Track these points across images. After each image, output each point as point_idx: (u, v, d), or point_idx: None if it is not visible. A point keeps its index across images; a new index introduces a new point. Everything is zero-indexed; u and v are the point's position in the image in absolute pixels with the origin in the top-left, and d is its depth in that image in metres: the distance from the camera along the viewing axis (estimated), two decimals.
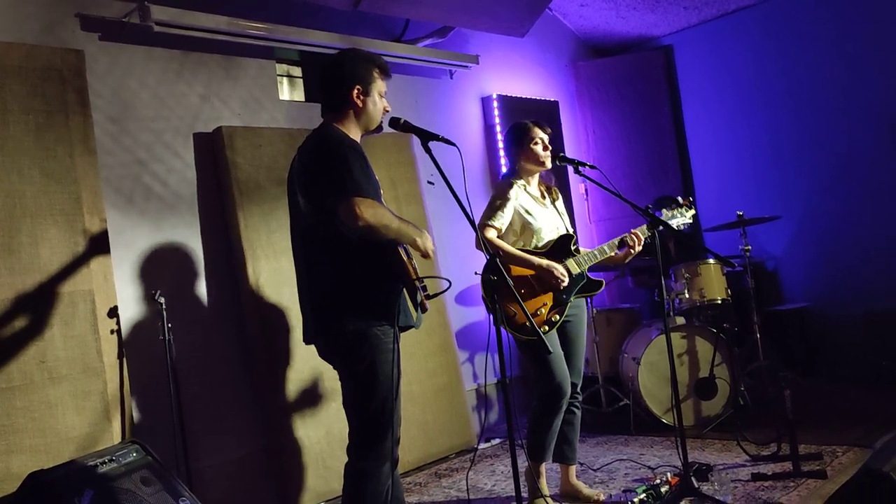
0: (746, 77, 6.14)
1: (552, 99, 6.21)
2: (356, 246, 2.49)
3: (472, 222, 2.45)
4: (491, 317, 2.49)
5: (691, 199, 3.70)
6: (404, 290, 2.58)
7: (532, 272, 3.27)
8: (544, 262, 3.25)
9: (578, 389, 3.46)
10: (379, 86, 2.71)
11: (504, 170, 5.52)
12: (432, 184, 4.95)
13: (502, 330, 2.38)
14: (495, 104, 5.66)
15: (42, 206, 3.26)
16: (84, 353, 3.28)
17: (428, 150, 2.56)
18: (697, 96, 6.48)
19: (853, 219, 5.65)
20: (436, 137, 2.57)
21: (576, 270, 3.33)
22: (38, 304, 3.19)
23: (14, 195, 3.19)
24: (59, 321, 3.23)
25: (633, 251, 3.41)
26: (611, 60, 6.65)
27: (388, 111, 2.75)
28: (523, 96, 5.92)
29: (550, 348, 2.49)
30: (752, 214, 5.03)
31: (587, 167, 3.36)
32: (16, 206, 3.18)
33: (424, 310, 2.62)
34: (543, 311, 3.26)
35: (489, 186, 5.58)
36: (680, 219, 3.58)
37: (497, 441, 4.82)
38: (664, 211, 3.61)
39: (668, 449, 4.16)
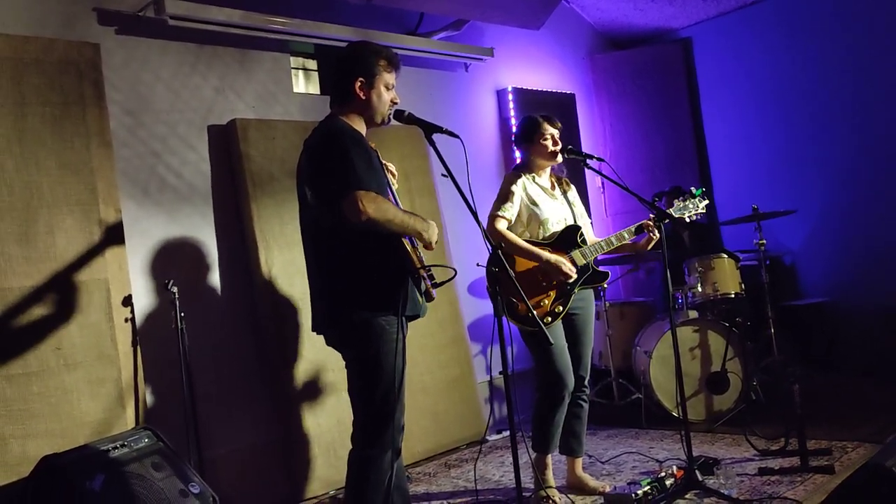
0: (765, 69, 6.08)
1: (569, 91, 6.20)
2: (361, 237, 2.52)
3: (474, 214, 2.48)
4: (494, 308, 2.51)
5: (704, 188, 3.64)
6: (410, 279, 2.61)
7: (538, 264, 3.27)
8: (552, 256, 3.26)
9: (586, 383, 3.47)
10: (385, 78, 2.69)
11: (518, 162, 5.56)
12: (446, 176, 4.95)
13: (508, 322, 2.40)
14: (511, 97, 5.66)
15: (58, 197, 3.33)
16: (99, 340, 3.35)
17: (432, 143, 2.59)
18: (716, 89, 6.42)
19: (871, 212, 5.57)
20: (439, 129, 2.60)
21: (581, 262, 3.33)
22: (54, 293, 3.26)
23: (31, 185, 3.26)
24: (75, 309, 3.30)
25: (653, 236, 3.37)
26: (628, 53, 6.61)
27: (395, 104, 2.74)
28: (539, 89, 5.91)
29: (552, 340, 2.50)
30: (769, 208, 4.97)
31: (595, 160, 3.36)
32: (33, 196, 3.26)
33: (430, 298, 2.65)
34: (547, 301, 3.27)
35: None
36: (692, 209, 3.54)
37: (507, 433, 4.84)
38: (675, 201, 3.57)
39: (677, 443, 4.15)
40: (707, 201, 3.57)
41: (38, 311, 3.21)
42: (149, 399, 3.56)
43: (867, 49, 5.53)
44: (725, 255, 4.70)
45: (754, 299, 5.06)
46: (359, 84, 2.64)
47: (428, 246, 2.63)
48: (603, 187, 6.39)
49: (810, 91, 5.84)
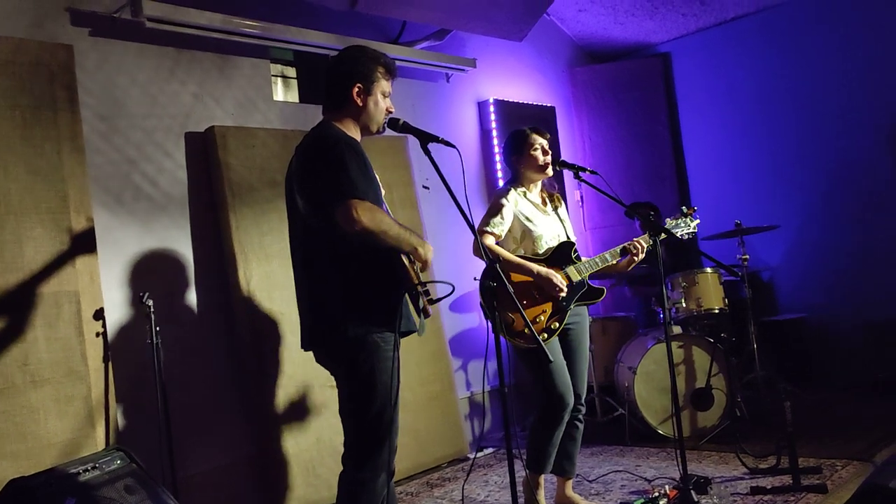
0: (744, 85, 6.12)
1: (549, 104, 6.16)
2: (356, 249, 2.41)
3: (471, 226, 2.39)
4: (489, 324, 2.42)
5: (695, 208, 3.65)
6: (406, 295, 2.51)
7: (531, 279, 3.19)
8: (543, 269, 3.19)
9: (582, 401, 3.37)
10: (382, 85, 2.61)
11: (500, 175, 5.50)
12: (427, 188, 4.88)
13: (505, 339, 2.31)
14: (492, 108, 5.60)
15: (27, 204, 3.16)
16: (68, 356, 3.19)
17: (427, 153, 2.49)
18: (695, 104, 6.45)
19: (851, 229, 5.62)
20: (435, 139, 2.50)
21: (576, 278, 3.26)
22: (21, 305, 3.09)
23: None
24: (43, 323, 3.14)
25: (635, 259, 3.35)
26: (608, 66, 6.61)
27: (391, 112, 2.65)
28: (520, 101, 5.86)
29: (552, 357, 2.41)
30: (748, 223, 4.98)
31: (587, 172, 3.30)
32: (0, 204, 3.09)
33: (427, 315, 2.53)
34: (543, 318, 3.18)
35: (485, 191, 5.52)
36: (684, 228, 3.54)
37: (490, 450, 4.74)
38: (668, 220, 3.57)
39: (664, 460, 4.09)
40: (698, 220, 3.58)
41: (3, 325, 3.04)
42: (120, 418, 3.40)
43: (846, 65, 5.58)
44: (709, 270, 4.68)
45: (735, 315, 5.05)
46: (357, 90, 2.55)
47: (423, 265, 2.52)
48: (582, 201, 6.36)
49: (789, 106, 5.88)
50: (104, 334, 3.32)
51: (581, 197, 6.34)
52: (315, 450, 3.87)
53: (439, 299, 2.50)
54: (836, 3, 5.61)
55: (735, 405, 4.50)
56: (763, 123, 6.03)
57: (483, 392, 5.03)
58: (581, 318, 3.39)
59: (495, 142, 5.55)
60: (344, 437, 2.51)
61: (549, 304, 3.22)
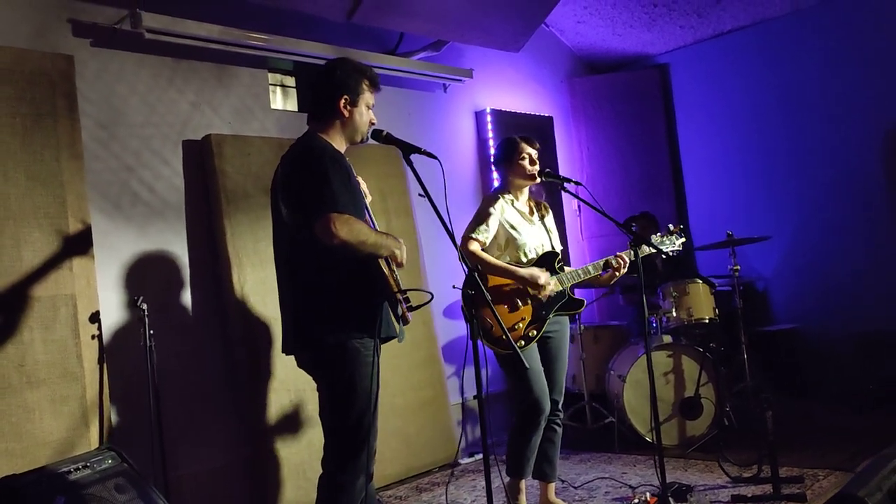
0: (740, 97, 6.17)
1: (547, 114, 6.23)
2: (337, 257, 2.49)
3: (451, 235, 2.45)
4: (468, 329, 2.48)
5: (682, 226, 3.72)
6: (386, 302, 2.58)
7: (513, 283, 3.25)
8: (525, 271, 3.25)
9: (560, 406, 3.44)
10: (367, 97, 2.70)
11: (497, 185, 5.56)
12: (423, 196, 4.93)
13: (483, 344, 2.37)
14: (489, 118, 5.67)
15: (26, 209, 3.25)
16: (64, 357, 3.27)
17: (409, 163, 2.56)
18: (692, 115, 6.50)
19: (843, 241, 5.65)
20: (417, 150, 2.58)
21: (557, 288, 3.32)
22: (19, 307, 3.18)
23: None
24: (40, 325, 3.22)
25: (617, 273, 3.41)
26: (606, 77, 6.67)
27: (373, 124, 2.74)
28: (517, 111, 5.93)
29: (527, 364, 2.47)
30: (744, 234, 5.02)
31: (572, 184, 3.37)
32: None
33: (406, 322, 2.61)
34: (521, 325, 3.25)
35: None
36: (669, 246, 3.60)
37: (480, 456, 4.79)
38: (653, 237, 3.63)
39: (650, 468, 4.13)
40: (683, 238, 3.65)
41: (1, 326, 3.12)
42: (114, 418, 3.48)
43: (841, 77, 5.62)
44: (700, 280, 4.72)
45: (727, 324, 5.09)
46: (343, 102, 2.63)
47: (399, 265, 2.60)
48: (579, 210, 6.40)
49: (785, 118, 5.92)
50: (99, 337, 3.40)
51: (579, 206, 6.39)
52: (306, 453, 3.93)
53: (418, 306, 2.57)
54: (830, 16, 5.65)
55: (723, 414, 4.54)
56: (758, 134, 6.07)
57: (463, 399, 5.07)
58: (562, 326, 3.45)
59: (492, 151, 5.61)
60: (324, 441, 2.58)
61: (529, 312, 3.28)
